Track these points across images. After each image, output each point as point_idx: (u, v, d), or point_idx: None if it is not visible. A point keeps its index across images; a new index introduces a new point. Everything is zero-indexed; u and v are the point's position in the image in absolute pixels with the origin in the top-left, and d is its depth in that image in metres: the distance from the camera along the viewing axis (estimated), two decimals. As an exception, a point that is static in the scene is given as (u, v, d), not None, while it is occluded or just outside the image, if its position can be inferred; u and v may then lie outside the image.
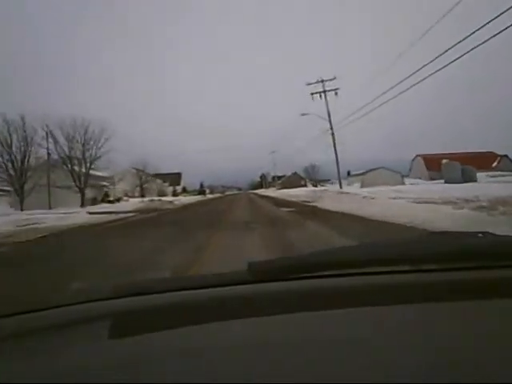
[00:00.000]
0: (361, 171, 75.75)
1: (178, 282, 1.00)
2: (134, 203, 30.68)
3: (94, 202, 33.59)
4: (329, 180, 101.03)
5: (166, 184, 64.71)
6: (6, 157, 28.50)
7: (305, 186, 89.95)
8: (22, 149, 29.12)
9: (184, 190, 79.96)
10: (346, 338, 0.60)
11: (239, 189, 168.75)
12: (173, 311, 0.75)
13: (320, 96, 28.77)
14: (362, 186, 46.78)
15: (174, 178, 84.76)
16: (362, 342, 0.57)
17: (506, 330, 0.58)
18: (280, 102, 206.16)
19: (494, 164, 55.04)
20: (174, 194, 63.65)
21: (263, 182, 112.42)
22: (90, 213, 20.83)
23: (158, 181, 64.75)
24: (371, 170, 64.04)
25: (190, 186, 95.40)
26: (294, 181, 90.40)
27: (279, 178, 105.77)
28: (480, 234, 0.96)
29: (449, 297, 0.70)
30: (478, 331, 0.59)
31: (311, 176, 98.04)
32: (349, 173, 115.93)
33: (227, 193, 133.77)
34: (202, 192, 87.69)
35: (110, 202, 34.91)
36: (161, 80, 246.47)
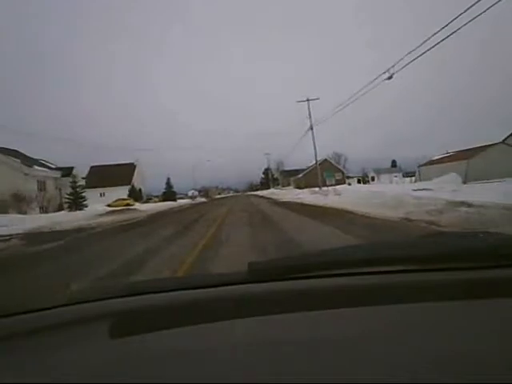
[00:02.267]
0: (445, 154, 39.96)
1: (178, 282, 1.00)
2: None
3: None
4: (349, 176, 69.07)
5: (71, 181, 28.65)
6: None
7: (342, 182, 55.47)
8: None
9: (132, 194, 44.33)
10: (345, 337, 0.60)
11: (236, 191, 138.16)
12: (173, 311, 0.74)
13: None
14: (467, 180, 24.69)
15: (120, 173, 49.86)
16: (362, 341, 0.57)
17: (506, 329, 0.59)
18: (279, 98, 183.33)
19: None
20: (74, 199, 27.74)
21: (269, 180, 77.18)
22: None
23: (46, 174, 29.76)
24: (480, 149, 31.12)
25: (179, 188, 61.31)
26: (321, 172, 56.35)
27: (290, 172, 71.10)
28: (480, 234, 0.96)
29: (449, 296, 0.70)
30: (478, 331, 0.59)
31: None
32: (394, 163, 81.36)
33: (219, 196, 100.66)
34: (169, 196, 51.92)
35: None
36: (157, 78, 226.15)
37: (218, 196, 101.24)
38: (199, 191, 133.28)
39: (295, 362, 0.53)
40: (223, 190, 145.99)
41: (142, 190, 54.65)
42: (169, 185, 54.93)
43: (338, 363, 0.52)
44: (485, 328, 0.59)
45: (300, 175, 60.21)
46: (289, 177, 70.61)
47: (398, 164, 78.04)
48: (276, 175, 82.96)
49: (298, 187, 54.03)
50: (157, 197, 59.27)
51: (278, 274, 0.83)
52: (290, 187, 59.97)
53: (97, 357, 0.60)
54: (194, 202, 52.24)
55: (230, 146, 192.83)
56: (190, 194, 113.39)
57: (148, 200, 54.12)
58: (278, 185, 78.42)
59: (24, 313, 0.78)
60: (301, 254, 0.98)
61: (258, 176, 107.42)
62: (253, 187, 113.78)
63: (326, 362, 0.52)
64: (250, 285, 0.81)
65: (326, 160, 58.11)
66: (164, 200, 50.27)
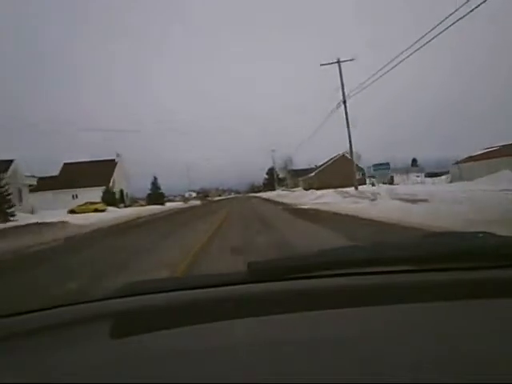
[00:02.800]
0: (490, 148, 32.93)
1: (178, 282, 1.02)
2: None
3: None
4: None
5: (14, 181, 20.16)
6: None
7: (363, 182, 47.09)
8: None
9: (107, 196, 36.04)
10: (345, 337, 0.60)
11: (237, 192, 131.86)
12: (173, 311, 0.74)
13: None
14: None
15: (96, 172, 41.71)
16: (362, 341, 0.57)
17: (506, 329, 0.59)
18: (279, 98, 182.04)
19: None
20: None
21: (274, 180, 68.97)
22: None
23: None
24: None
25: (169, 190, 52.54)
26: (338, 170, 46.86)
27: (298, 172, 62.82)
28: (480, 234, 0.96)
29: (449, 297, 0.70)
30: (478, 331, 0.59)
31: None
32: (415, 162, 72.96)
33: (218, 198, 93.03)
34: (155, 199, 43.41)
35: None
36: (157, 78, 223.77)
37: (217, 198, 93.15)
38: (198, 193, 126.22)
39: (295, 361, 0.53)
40: (223, 191, 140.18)
41: (125, 191, 46.44)
42: (155, 186, 45.87)
43: (338, 363, 0.52)
44: (485, 328, 0.59)
45: (312, 174, 51.68)
46: (296, 177, 62.26)
47: (418, 163, 69.66)
48: (282, 175, 74.61)
49: (310, 188, 45.66)
50: (144, 199, 51.18)
51: (277, 274, 0.83)
52: (299, 188, 51.68)
53: (97, 357, 0.60)
54: (185, 205, 44.04)
55: (231, 146, 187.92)
56: (186, 195, 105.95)
57: (133, 203, 45.96)
58: (284, 185, 70.07)
59: (24, 313, 0.78)
60: (301, 254, 0.94)
61: (260, 177, 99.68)
62: (254, 188, 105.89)
63: (325, 362, 0.52)
64: (249, 285, 0.81)
65: (343, 156, 49.56)
66: (150, 203, 41.91)
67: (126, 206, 42.07)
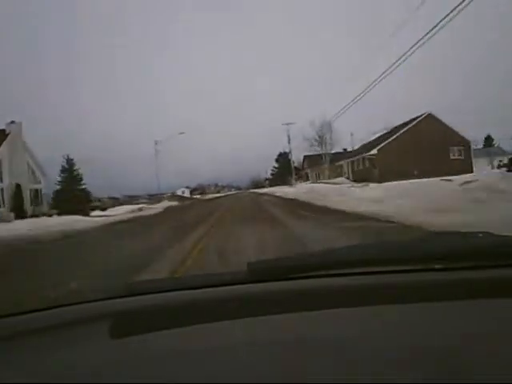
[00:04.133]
0: None
1: (177, 282, 1.02)
2: None
3: None
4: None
5: None
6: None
7: (469, 167, 25.66)
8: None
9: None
10: (345, 337, 0.60)
11: (238, 188, 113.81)
12: (172, 311, 0.75)
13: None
14: None
15: None
16: (362, 341, 0.57)
17: (506, 329, 0.59)
18: (279, 96, 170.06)
19: None
20: None
21: (291, 171, 47.81)
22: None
23: None
24: None
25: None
26: (423, 143, 22.86)
27: (337, 156, 41.77)
28: (480, 234, 0.96)
29: (448, 296, 0.70)
30: (477, 331, 0.59)
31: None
32: (490, 141, 48.70)
33: (213, 195, 73.27)
34: (66, 202, 21.87)
35: None
36: (157, 76, 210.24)
37: (211, 196, 72.93)
38: (194, 189, 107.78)
39: (295, 362, 0.53)
40: (222, 187, 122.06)
41: (34, 188, 25.80)
42: (70, 176, 24.15)
43: (338, 363, 0.51)
44: (484, 328, 0.59)
45: (373, 151, 28.52)
46: (335, 161, 39.81)
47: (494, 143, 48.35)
48: (296, 163, 53.30)
49: (363, 179, 24.89)
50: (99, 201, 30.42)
51: (277, 274, 0.83)
52: (341, 179, 30.99)
53: (97, 357, 0.60)
54: (138, 213, 23.54)
55: (231, 142, 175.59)
56: (179, 192, 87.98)
57: (50, 209, 25.49)
58: (301, 177, 49.21)
59: (24, 313, 0.77)
60: (301, 253, 0.94)
61: (264, 170, 79.97)
62: (258, 184, 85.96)
63: (326, 362, 0.52)
64: (249, 285, 0.81)
65: (429, 115, 28.10)
66: (60, 211, 21.08)
67: (22, 217, 21.81)
